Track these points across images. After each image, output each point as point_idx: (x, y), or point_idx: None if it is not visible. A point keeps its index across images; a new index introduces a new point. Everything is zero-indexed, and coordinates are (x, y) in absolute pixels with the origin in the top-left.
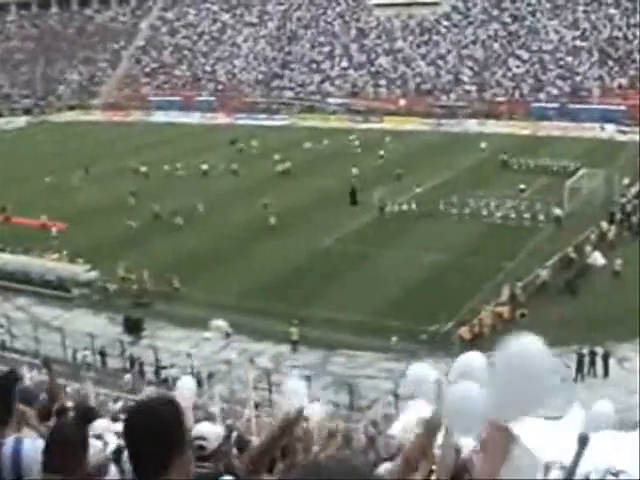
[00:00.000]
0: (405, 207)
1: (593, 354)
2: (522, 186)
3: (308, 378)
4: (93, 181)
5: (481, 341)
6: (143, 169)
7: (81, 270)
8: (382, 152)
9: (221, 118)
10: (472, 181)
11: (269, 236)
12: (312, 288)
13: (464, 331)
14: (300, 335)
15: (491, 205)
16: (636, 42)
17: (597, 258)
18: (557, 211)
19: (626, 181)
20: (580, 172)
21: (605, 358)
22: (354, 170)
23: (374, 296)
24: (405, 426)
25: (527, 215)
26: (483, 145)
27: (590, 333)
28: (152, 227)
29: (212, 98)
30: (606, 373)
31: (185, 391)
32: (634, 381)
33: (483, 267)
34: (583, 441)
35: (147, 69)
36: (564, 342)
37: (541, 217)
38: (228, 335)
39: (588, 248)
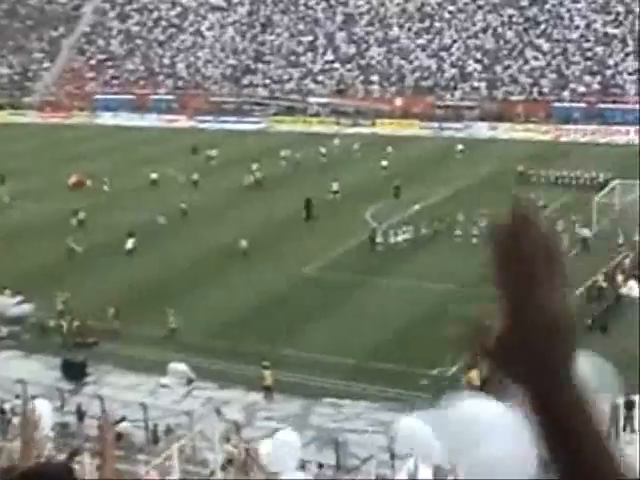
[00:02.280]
0: (401, 237)
1: (630, 404)
2: (542, 202)
3: None
4: (26, 196)
5: (494, 388)
6: (88, 182)
7: (10, 303)
8: (374, 161)
9: (182, 121)
10: (482, 197)
11: (238, 262)
12: (290, 324)
13: (473, 375)
14: (275, 380)
15: None
16: None
17: (632, 288)
18: (584, 232)
19: None
20: (612, 185)
21: (630, 406)
22: (334, 185)
23: (365, 334)
24: None
25: None
26: (495, 153)
27: (625, 378)
28: (99, 251)
29: (171, 97)
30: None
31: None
32: None
33: (493, 299)
34: None
35: (92, 61)
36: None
37: (565, 239)
38: (190, 381)
39: (621, 276)
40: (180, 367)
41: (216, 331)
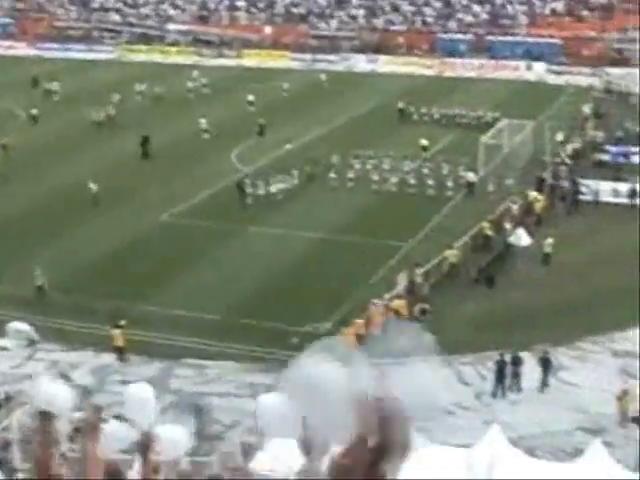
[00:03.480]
0: (273, 187)
1: (517, 361)
2: (424, 143)
3: None
4: None
5: None
6: None
7: None
8: (240, 97)
9: (21, 48)
10: (358, 137)
11: (87, 208)
12: (147, 278)
13: (346, 333)
14: (129, 340)
15: (383, 168)
16: None
17: (521, 237)
18: (469, 175)
19: (560, 137)
20: (500, 124)
21: (545, 364)
22: (202, 121)
23: (230, 288)
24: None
25: (430, 181)
26: (374, 89)
27: (512, 335)
28: None
29: (8, 20)
30: (545, 384)
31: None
32: (574, 397)
33: (372, 249)
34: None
35: None
36: (478, 346)
37: (449, 183)
38: (32, 342)
39: (509, 224)
40: (21, 327)
41: (62, 286)
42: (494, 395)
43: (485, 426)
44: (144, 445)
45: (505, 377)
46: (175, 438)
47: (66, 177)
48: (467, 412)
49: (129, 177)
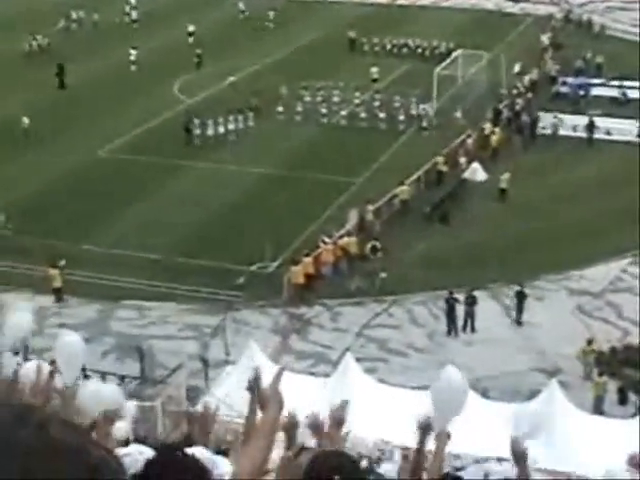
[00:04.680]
0: (222, 127)
1: (472, 300)
2: (375, 74)
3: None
4: None
5: (319, 285)
6: None
7: None
8: (179, 25)
9: None
10: (307, 68)
11: (20, 143)
12: (83, 216)
13: (296, 272)
14: (67, 280)
15: (333, 101)
16: None
17: (476, 172)
18: (423, 108)
19: (517, 68)
20: (454, 55)
21: (520, 298)
22: (133, 53)
23: (173, 226)
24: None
25: (382, 114)
26: (322, 16)
27: (467, 273)
28: None
29: None
30: (519, 320)
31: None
32: (530, 338)
33: (322, 185)
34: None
35: None
36: (431, 286)
37: (401, 117)
38: None
39: (463, 159)
40: None
41: None
42: (449, 333)
43: (439, 367)
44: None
45: (456, 316)
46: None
47: None
48: (420, 353)
49: (63, 111)
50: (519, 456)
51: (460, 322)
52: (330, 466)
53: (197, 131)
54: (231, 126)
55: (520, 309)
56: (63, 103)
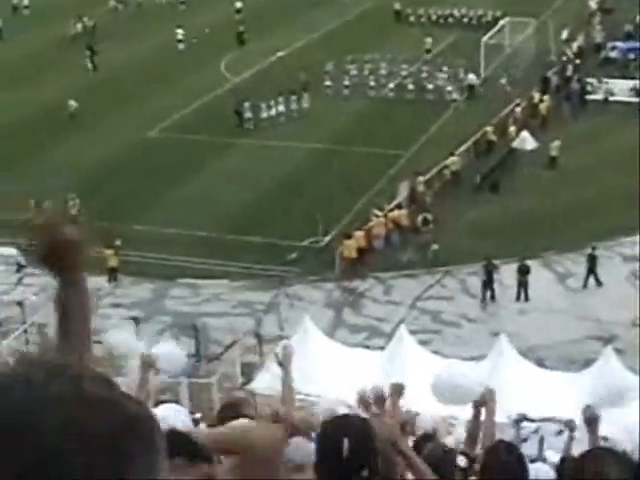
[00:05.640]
0: (274, 110)
1: (525, 269)
2: (429, 44)
3: (137, 320)
4: None
5: (371, 259)
6: None
7: None
8: (227, 3)
9: None
10: (352, 41)
11: (68, 127)
12: (136, 196)
13: (348, 246)
14: (121, 260)
15: (380, 73)
16: None
17: (525, 140)
18: (470, 78)
19: (565, 34)
20: (501, 23)
21: (592, 261)
22: (179, 31)
23: (224, 204)
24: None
25: (430, 85)
26: None
27: (518, 242)
28: None
29: None
30: (598, 280)
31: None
32: (583, 305)
33: (371, 158)
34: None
35: None
36: (483, 255)
37: (449, 87)
38: (20, 267)
39: (513, 127)
40: (8, 251)
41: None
42: (484, 299)
43: (492, 337)
44: (145, 365)
45: (493, 282)
46: (171, 356)
47: (43, 97)
48: (474, 324)
49: (110, 93)
50: (591, 422)
51: (510, 290)
52: (339, 429)
53: (248, 114)
54: (281, 107)
55: (593, 271)
56: (109, 85)
